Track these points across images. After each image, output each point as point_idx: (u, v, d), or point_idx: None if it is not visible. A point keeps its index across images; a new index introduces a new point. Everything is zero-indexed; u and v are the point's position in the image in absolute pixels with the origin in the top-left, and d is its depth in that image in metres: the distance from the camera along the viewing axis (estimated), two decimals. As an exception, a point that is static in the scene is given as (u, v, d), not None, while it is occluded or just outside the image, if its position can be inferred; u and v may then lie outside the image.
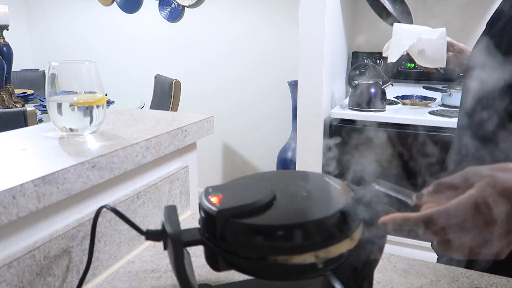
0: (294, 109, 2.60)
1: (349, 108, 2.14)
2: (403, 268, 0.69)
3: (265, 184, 0.48)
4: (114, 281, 0.66)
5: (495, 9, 0.90)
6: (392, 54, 1.18)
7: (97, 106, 0.73)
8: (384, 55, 1.23)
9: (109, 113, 0.92)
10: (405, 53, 1.16)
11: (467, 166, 0.44)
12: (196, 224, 0.47)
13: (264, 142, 3.04)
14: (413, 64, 2.28)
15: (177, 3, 3.08)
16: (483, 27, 0.93)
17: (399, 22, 1.33)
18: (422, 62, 1.12)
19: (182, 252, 0.45)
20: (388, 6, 1.59)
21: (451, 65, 1.09)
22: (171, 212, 0.48)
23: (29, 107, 1.80)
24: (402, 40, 1.15)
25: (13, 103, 2.17)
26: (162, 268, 0.70)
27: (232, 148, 3.17)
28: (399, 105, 2.23)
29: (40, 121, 1.97)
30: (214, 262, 0.46)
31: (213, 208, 0.43)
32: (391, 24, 1.25)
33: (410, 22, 1.53)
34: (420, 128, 1.90)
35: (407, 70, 2.40)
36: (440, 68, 1.10)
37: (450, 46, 1.09)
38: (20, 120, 1.72)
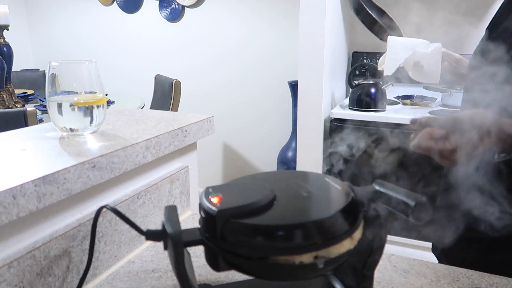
0: (294, 109, 2.60)
1: (349, 108, 2.14)
2: (403, 268, 0.69)
3: (265, 184, 0.48)
4: (114, 281, 0.66)
5: (492, 16, 0.89)
6: (388, 68, 1.18)
7: (97, 106, 0.73)
8: (379, 68, 1.22)
9: (110, 113, 0.92)
10: (401, 66, 1.16)
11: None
12: (196, 224, 0.47)
13: (264, 142, 3.04)
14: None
15: (177, 3, 3.08)
16: (480, 34, 0.92)
17: (390, 35, 1.33)
18: (416, 77, 1.12)
19: (182, 252, 0.45)
20: (379, 20, 1.59)
21: (447, 75, 1.09)
22: (171, 212, 0.48)
23: (29, 107, 1.80)
24: (397, 53, 1.14)
25: (13, 103, 2.17)
26: (163, 268, 0.70)
27: (232, 148, 3.17)
28: (400, 105, 2.23)
29: (40, 121, 1.97)
30: (215, 262, 0.46)
31: (213, 208, 0.43)
32: (381, 38, 1.24)
33: (399, 35, 1.53)
34: (420, 128, 1.89)
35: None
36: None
37: (446, 57, 1.08)
38: (20, 120, 1.72)
